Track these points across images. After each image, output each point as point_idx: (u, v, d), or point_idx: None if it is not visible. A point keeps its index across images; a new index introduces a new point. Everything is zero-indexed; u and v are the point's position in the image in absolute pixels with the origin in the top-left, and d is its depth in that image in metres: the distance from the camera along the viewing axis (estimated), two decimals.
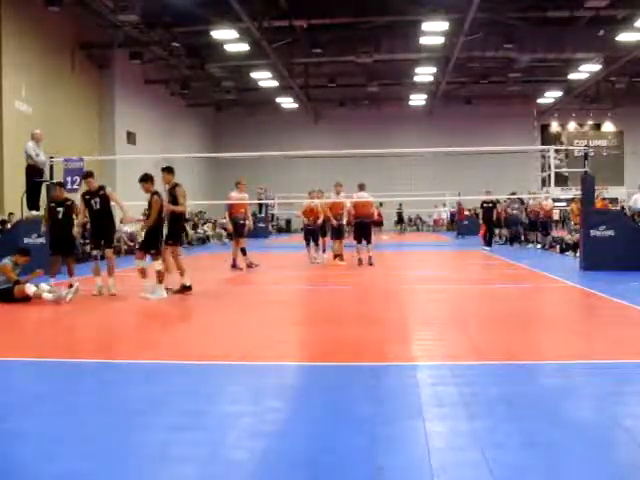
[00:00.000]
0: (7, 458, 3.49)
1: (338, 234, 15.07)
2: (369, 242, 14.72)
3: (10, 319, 8.13)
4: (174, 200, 9.86)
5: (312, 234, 15.09)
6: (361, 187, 14.90)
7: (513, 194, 23.15)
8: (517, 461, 3.32)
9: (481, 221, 21.70)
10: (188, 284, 9.85)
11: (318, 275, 13.49)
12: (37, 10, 18.68)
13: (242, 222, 13.96)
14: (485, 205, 20.75)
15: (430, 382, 4.82)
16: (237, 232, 13.98)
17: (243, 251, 13.86)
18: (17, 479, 3.26)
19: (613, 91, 32.10)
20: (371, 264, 14.40)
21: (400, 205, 34.73)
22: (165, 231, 10.04)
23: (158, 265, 9.42)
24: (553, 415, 4.04)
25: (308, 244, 15.22)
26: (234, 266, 13.81)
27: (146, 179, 9.65)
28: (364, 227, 14.69)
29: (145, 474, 3.26)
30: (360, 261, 14.58)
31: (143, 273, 9.62)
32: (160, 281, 9.37)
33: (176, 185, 9.94)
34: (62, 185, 11.31)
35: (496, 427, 3.83)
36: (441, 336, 6.64)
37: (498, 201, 22.11)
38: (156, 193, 9.61)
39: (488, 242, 20.31)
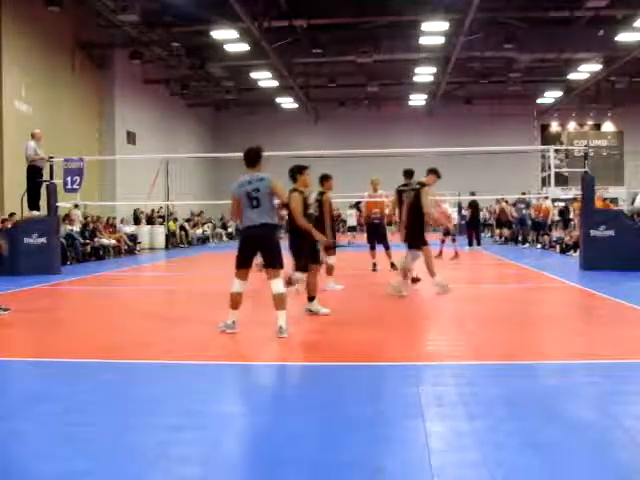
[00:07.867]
0: (7, 458, 3.49)
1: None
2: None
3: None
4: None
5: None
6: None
7: (523, 194, 23.24)
8: (517, 461, 3.32)
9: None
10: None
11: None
12: (37, 10, 18.66)
13: (377, 222, 13.45)
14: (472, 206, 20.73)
15: (430, 382, 4.82)
16: (370, 233, 13.56)
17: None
18: (17, 479, 3.26)
19: (613, 91, 32.04)
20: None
21: None
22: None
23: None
24: (553, 415, 4.04)
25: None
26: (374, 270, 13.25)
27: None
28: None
29: (145, 474, 3.26)
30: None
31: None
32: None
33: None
34: None
35: (496, 427, 3.83)
36: (441, 336, 6.64)
37: (503, 201, 22.22)
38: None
39: (469, 242, 20.11)
